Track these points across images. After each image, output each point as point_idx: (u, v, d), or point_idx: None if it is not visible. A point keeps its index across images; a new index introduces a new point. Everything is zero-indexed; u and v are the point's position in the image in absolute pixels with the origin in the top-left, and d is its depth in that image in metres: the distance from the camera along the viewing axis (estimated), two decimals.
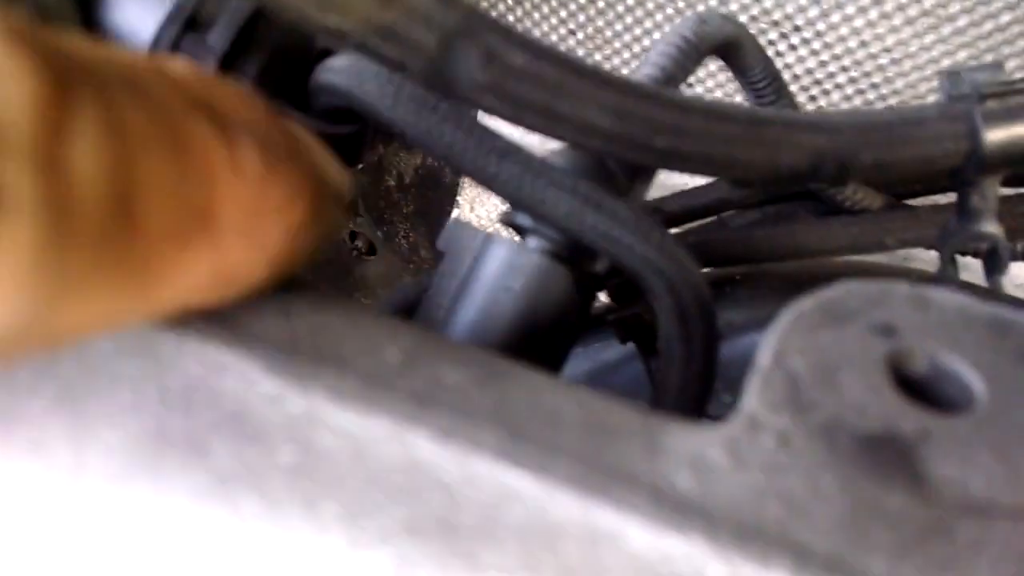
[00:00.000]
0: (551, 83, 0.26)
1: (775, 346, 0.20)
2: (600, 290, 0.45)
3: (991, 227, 0.34)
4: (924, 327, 0.21)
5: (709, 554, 0.15)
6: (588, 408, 0.18)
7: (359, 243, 1.14)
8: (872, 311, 0.21)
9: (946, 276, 0.36)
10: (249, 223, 0.18)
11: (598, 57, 0.82)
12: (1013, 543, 0.17)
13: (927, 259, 0.43)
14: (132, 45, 0.34)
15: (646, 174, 0.35)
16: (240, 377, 0.18)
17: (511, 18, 0.84)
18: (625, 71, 0.82)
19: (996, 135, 0.32)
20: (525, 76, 0.26)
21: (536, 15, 0.83)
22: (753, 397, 0.19)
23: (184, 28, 0.33)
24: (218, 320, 0.18)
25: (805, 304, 0.21)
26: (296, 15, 0.23)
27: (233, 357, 0.18)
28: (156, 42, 0.33)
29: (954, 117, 0.32)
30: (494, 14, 0.85)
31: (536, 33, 0.84)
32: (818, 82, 0.69)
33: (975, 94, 0.33)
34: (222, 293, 0.18)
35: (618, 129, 0.28)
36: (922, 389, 0.20)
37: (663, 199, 0.51)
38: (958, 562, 0.16)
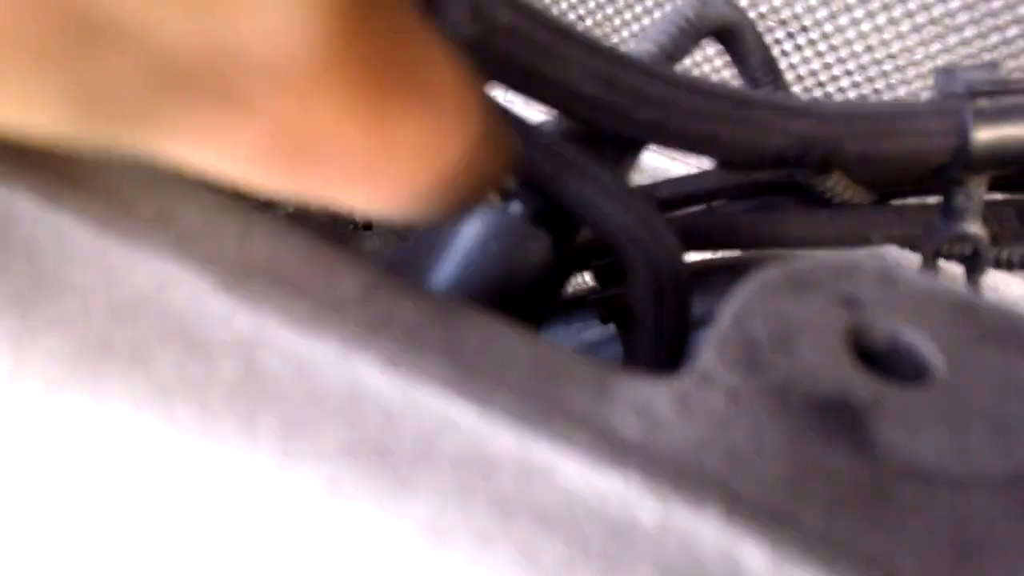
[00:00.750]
0: (538, 44, 0.26)
1: (736, 308, 0.20)
2: (584, 269, 0.45)
3: (974, 227, 0.34)
4: (889, 302, 0.21)
5: (644, 493, 0.15)
6: (539, 352, 0.18)
7: (355, 218, 1.14)
8: (838, 283, 0.21)
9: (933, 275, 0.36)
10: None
11: None
12: (954, 511, 0.17)
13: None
14: None
15: (634, 148, 0.35)
16: (190, 293, 0.18)
17: None
18: None
19: (985, 134, 0.32)
20: (511, 34, 0.26)
21: None
22: (708, 354, 0.19)
23: None
24: (172, 235, 0.18)
25: (771, 272, 0.21)
26: None
27: (185, 273, 0.18)
28: None
29: (944, 113, 0.32)
30: None
31: None
32: (821, 84, 0.69)
33: (968, 92, 0.32)
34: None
35: (602, 96, 0.28)
36: (881, 363, 0.20)
37: (654, 185, 0.51)
38: (896, 523, 0.16)
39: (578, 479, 0.15)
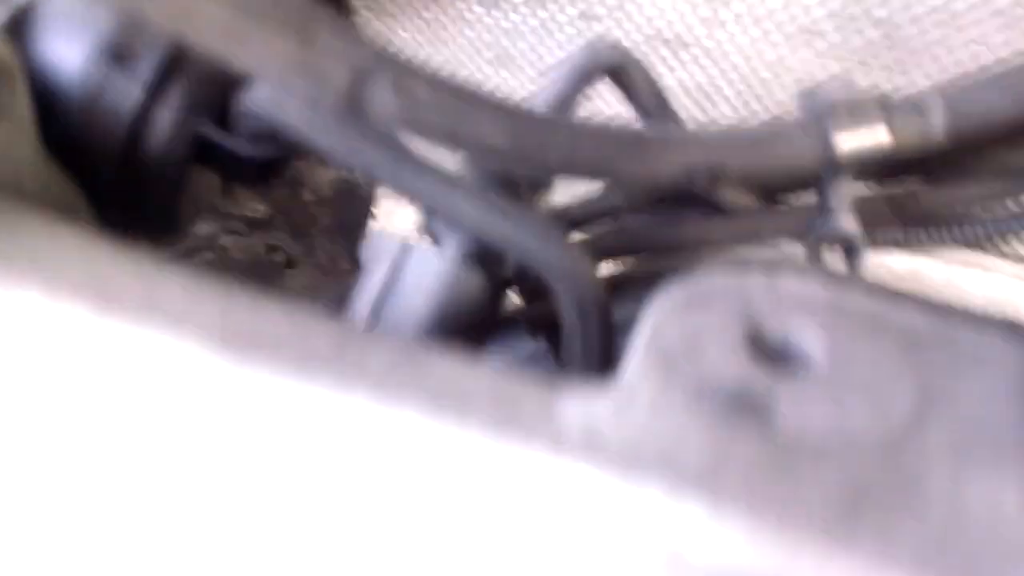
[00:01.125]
0: (455, 112, 0.30)
1: (650, 326, 0.24)
2: (509, 288, 0.48)
3: (847, 224, 0.39)
4: (776, 306, 0.25)
5: (594, 478, 0.19)
6: (497, 382, 0.22)
7: (278, 257, 1.15)
8: (733, 295, 0.25)
9: (816, 268, 0.41)
10: None
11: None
12: (839, 475, 0.21)
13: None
14: (60, 77, 0.36)
15: (547, 184, 0.39)
16: (183, 364, 0.21)
17: None
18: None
19: (846, 144, 0.37)
20: (431, 108, 0.30)
21: None
22: (632, 369, 0.23)
23: (111, 59, 0.36)
24: (161, 315, 0.21)
25: (676, 290, 0.25)
26: (218, 56, 0.26)
27: (176, 346, 0.21)
28: (84, 74, 0.35)
29: (810, 129, 0.37)
30: None
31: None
32: (707, 95, 0.74)
33: (828, 108, 0.37)
34: None
35: (512, 152, 0.32)
36: (776, 358, 0.25)
37: (568, 207, 0.55)
38: (795, 493, 0.20)
39: (538, 482, 0.19)
